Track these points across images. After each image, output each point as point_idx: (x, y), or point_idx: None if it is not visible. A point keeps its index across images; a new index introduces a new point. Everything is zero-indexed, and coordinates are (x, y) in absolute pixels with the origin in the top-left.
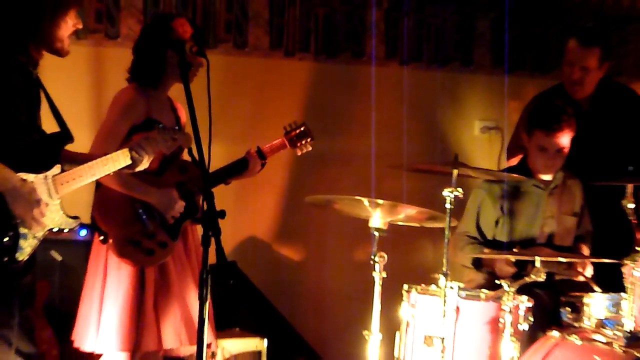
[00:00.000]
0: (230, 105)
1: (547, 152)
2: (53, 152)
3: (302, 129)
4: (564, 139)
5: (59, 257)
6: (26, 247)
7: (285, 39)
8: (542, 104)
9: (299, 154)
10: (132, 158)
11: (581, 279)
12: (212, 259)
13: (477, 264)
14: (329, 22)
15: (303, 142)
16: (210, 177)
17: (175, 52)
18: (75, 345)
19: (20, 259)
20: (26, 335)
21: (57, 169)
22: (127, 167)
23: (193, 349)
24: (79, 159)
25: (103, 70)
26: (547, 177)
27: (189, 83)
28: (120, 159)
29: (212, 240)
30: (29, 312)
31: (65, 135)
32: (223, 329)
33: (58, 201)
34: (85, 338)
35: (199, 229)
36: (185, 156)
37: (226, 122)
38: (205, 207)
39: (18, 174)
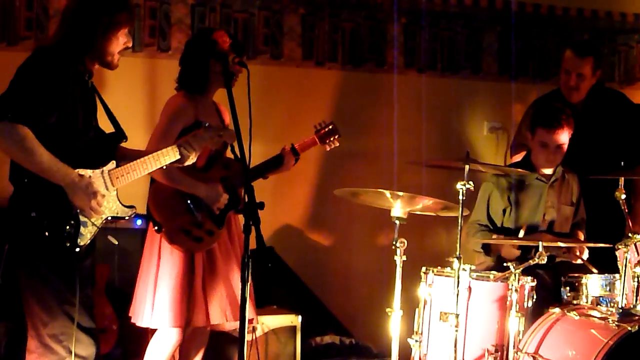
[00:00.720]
0: (268, 109)
1: (548, 148)
2: (108, 149)
3: (330, 127)
4: (563, 136)
5: (115, 241)
6: (86, 234)
7: (316, 50)
8: (544, 105)
9: (328, 149)
10: (180, 153)
11: (579, 261)
12: (252, 244)
13: (487, 249)
14: (354, 36)
15: (331, 138)
16: (250, 172)
17: (219, 62)
18: (132, 321)
19: (81, 244)
20: (87, 312)
21: (112, 164)
22: (176, 161)
23: (237, 324)
24: (133, 155)
25: (156, 80)
26: (548, 171)
27: (231, 90)
28: (170, 154)
29: (253, 228)
30: (89, 291)
31: (119, 134)
32: (262, 307)
33: (115, 192)
34: (141, 315)
35: (241, 218)
36: (229, 154)
37: (264, 123)
38: (246, 199)
39: (76, 170)
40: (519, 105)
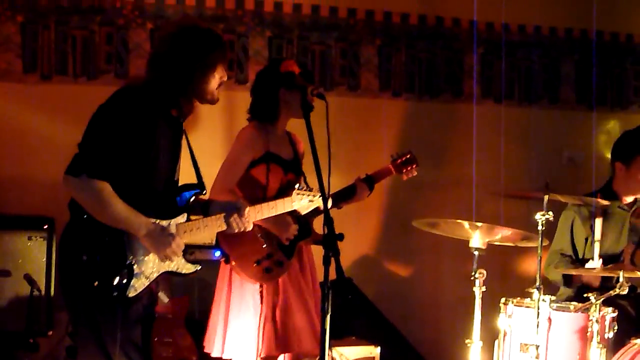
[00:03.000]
0: (345, 140)
1: None
2: (180, 202)
3: (408, 156)
4: None
5: (165, 300)
6: (138, 286)
7: (393, 81)
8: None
9: (405, 179)
10: (228, 224)
11: None
12: (332, 275)
13: (567, 280)
14: (430, 66)
15: (409, 167)
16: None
17: (291, 91)
18: (206, 350)
19: (130, 295)
20: (131, 355)
21: (183, 217)
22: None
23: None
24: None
25: (233, 112)
26: (629, 199)
27: (310, 121)
28: (221, 224)
29: (332, 259)
30: (137, 333)
31: (199, 186)
32: (341, 338)
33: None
34: (213, 345)
35: (315, 249)
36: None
37: (340, 154)
38: (326, 230)
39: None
40: (598, 134)
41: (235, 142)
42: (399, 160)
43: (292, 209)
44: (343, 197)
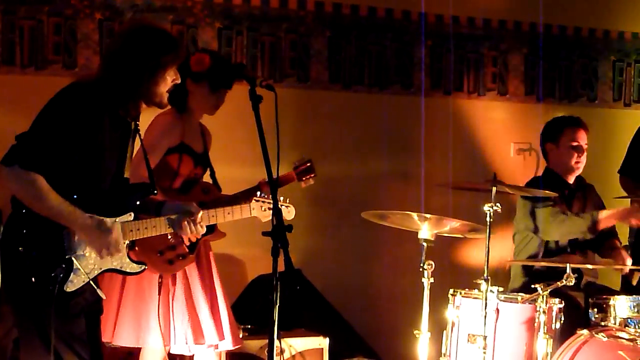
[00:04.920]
0: (294, 132)
1: (577, 149)
2: (131, 200)
3: (307, 164)
4: (586, 137)
5: (103, 296)
6: (76, 282)
7: (343, 73)
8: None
9: (303, 186)
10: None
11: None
12: (280, 267)
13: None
14: (380, 58)
15: (307, 177)
16: (226, 201)
17: (198, 83)
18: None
19: (67, 290)
20: (75, 348)
21: (129, 216)
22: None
23: (197, 348)
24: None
25: None
26: (571, 180)
27: (259, 113)
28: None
29: (281, 251)
30: (78, 324)
31: (149, 186)
32: (290, 329)
33: (124, 246)
34: (104, 330)
35: (264, 240)
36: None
37: (290, 147)
38: (275, 221)
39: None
40: None
41: (153, 128)
42: (300, 168)
43: (251, 216)
44: (246, 198)
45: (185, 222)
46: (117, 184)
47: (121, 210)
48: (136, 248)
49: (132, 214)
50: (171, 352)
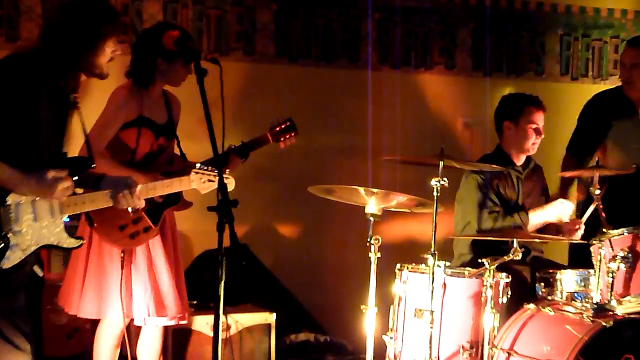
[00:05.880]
0: (240, 106)
1: (537, 131)
2: (70, 174)
3: (287, 123)
4: (543, 118)
5: (40, 273)
6: (13, 258)
7: (289, 47)
8: (518, 93)
9: (282, 147)
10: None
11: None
12: (225, 242)
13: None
14: (327, 32)
15: (287, 136)
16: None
17: (164, 59)
18: (60, 305)
19: (3, 267)
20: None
21: None
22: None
23: (158, 320)
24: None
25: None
26: (520, 160)
27: (203, 87)
28: (109, 200)
29: (226, 225)
30: (17, 301)
31: (88, 160)
32: (237, 305)
33: (61, 221)
34: (70, 303)
35: (209, 215)
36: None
37: (236, 121)
38: (220, 196)
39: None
40: (493, 101)
41: (108, 103)
42: (278, 128)
43: (191, 188)
44: (215, 165)
45: (121, 195)
46: (56, 158)
47: None
48: (95, 225)
49: None
50: (135, 323)
